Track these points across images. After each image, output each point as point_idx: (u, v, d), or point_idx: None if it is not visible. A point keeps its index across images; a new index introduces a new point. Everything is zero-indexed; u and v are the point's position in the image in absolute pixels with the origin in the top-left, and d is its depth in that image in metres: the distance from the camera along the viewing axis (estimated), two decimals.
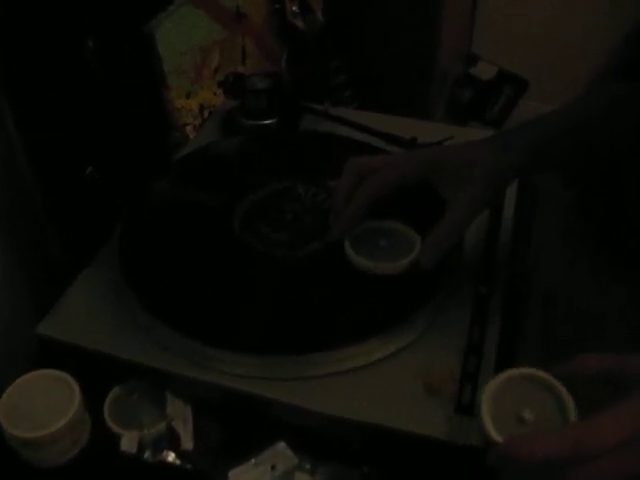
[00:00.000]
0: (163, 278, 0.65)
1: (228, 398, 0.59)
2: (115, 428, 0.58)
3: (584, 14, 2.11)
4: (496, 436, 0.45)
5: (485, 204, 0.63)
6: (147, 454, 0.57)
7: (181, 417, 0.59)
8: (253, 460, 0.56)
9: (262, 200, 0.73)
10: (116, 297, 0.66)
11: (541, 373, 0.48)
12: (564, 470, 0.42)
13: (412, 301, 0.62)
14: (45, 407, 0.56)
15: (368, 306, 0.62)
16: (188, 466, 0.57)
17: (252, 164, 0.79)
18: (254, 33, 1.33)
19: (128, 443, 0.57)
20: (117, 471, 0.58)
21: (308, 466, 0.56)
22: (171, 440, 0.58)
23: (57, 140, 0.77)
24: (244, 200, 0.73)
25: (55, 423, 0.54)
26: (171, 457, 0.57)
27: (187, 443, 0.57)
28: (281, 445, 0.57)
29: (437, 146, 0.65)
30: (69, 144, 0.79)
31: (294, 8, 1.40)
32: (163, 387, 0.60)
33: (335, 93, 1.12)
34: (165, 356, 0.61)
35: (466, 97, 2.28)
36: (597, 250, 0.72)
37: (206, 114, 1.10)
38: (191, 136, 1.03)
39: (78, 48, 0.78)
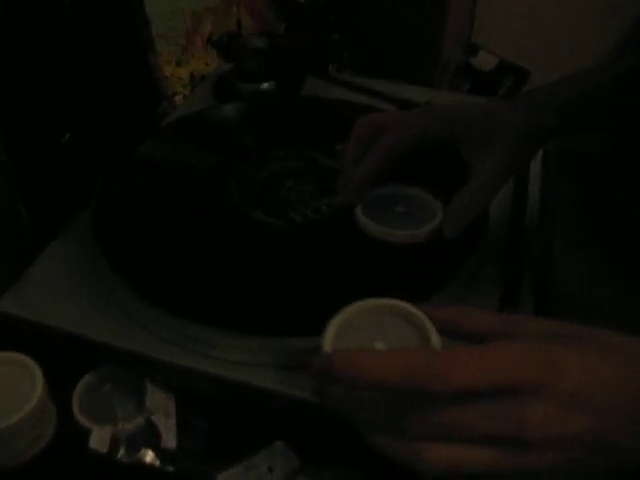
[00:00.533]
0: (144, 248, 0.57)
1: (218, 388, 0.51)
2: (85, 422, 0.50)
3: (586, 4, 2.06)
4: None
5: (515, 167, 0.56)
6: (121, 453, 0.49)
7: (162, 410, 0.50)
8: (247, 462, 0.48)
9: (259, 166, 0.65)
10: (90, 270, 0.58)
11: (404, 304, 0.41)
12: (403, 410, 0.33)
13: (433, 278, 0.54)
14: (2, 396, 0.48)
15: (383, 282, 0.53)
16: (170, 468, 0.49)
17: (250, 130, 0.70)
18: (249, 4, 1.25)
19: (99, 440, 0.49)
20: (86, 472, 0.49)
21: (312, 470, 0.48)
22: (150, 437, 0.49)
23: (31, 104, 0.70)
24: (239, 166, 0.64)
25: (14, 414, 0.47)
26: (150, 457, 0.49)
27: (169, 441, 0.49)
28: (280, 444, 0.49)
29: (461, 103, 0.58)
30: (44, 108, 0.71)
31: None
32: (142, 375, 0.52)
33: (334, 55, 1.04)
34: (145, 338, 0.53)
35: (466, 87, 2.22)
36: (593, 240, 0.65)
37: None
38: None
39: (55, 3, 0.71)
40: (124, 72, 0.87)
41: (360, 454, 0.48)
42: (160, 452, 0.49)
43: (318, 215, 0.60)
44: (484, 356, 0.33)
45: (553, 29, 2.13)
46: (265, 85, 0.78)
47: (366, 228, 0.55)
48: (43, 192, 0.73)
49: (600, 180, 0.67)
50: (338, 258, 0.57)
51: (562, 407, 0.32)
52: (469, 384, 0.32)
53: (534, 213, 0.65)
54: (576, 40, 2.07)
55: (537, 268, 0.59)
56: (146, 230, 0.59)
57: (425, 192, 0.58)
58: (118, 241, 0.57)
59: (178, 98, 1.00)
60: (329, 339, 0.39)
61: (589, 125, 0.59)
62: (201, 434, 0.50)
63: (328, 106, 0.73)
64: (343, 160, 0.57)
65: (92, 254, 0.58)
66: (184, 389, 0.52)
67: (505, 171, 0.54)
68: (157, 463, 0.49)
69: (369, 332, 0.41)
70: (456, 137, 0.56)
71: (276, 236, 0.59)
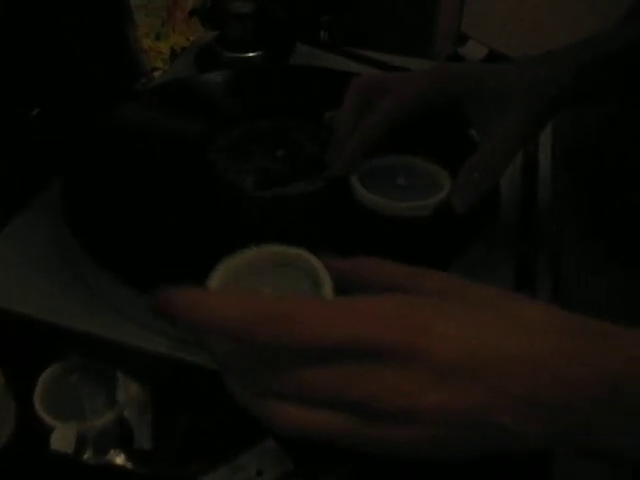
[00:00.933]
0: (117, 223, 0.50)
1: (200, 381, 0.45)
2: (48, 419, 0.44)
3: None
4: None
5: (531, 132, 0.50)
6: (88, 454, 0.42)
7: (136, 405, 0.44)
8: (232, 463, 0.42)
9: (244, 135, 0.59)
10: (56, 249, 0.51)
11: (301, 252, 0.37)
12: (264, 365, 0.29)
13: (440, 256, 0.48)
14: None
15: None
16: (143, 470, 0.43)
17: (236, 98, 0.64)
18: None
19: (62, 439, 0.42)
20: (48, 476, 0.43)
21: (306, 474, 0.42)
22: (121, 436, 0.43)
23: None
24: (224, 136, 0.58)
25: None
26: (120, 459, 0.43)
27: (143, 440, 0.43)
28: (270, 444, 0.43)
29: (468, 62, 0.52)
30: (11, 81, 0.65)
31: None
32: (113, 365, 0.45)
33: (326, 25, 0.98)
34: (118, 323, 0.46)
35: None
36: (592, 231, 0.61)
37: None
38: None
39: None
40: (98, 43, 0.81)
41: (360, 456, 0.42)
42: (133, 453, 0.43)
43: (311, 187, 0.54)
44: (345, 310, 0.28)
45: (543, 20, 2.09)
46: (252, 54, 0.72)
47: (363, 199, 0.49)
48: (10, 168, 0.67)
49: (598, 171, 0.63)
50: (333, 233, 0.51)
51: (432, 379, 0.28)
52: (317, 339, 0.28)
53: (546, 189, 0.59)
54: (566, 33, 2.02)
55: (551, 245, 0.54)
56: (120, 204, 0.52)
57: (429, 162, 0.52)
58: (88, 217, 0.50)
59: (158, 74, 0.94)
60: (212, 283, 0.35)
61: (603, 90, 0.54)
62: (180, 432, 0.44)
63: (321, 74, 0.67)
64: (336, 126, 0.52)
65: (59, 231, 0.52)
66: (161, 381, 0.46)
67: (520, 136, 0.49)
68: (129, 465, 0.42)
69: (257, 280, 0.37)
70: (465, 99, 0.50)
71: (264, 210, 0.53)
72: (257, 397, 0.30)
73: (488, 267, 0.50)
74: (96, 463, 0.42)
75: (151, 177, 0.55)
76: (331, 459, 0.43)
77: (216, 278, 0.35)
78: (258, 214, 0.52)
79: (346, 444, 0.30)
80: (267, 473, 0.42)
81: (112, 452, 0.42)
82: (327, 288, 0.35)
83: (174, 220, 0.51)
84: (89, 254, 0.47)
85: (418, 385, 0.28)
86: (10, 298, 0.48)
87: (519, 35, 2.13)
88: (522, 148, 0.50)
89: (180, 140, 0.58)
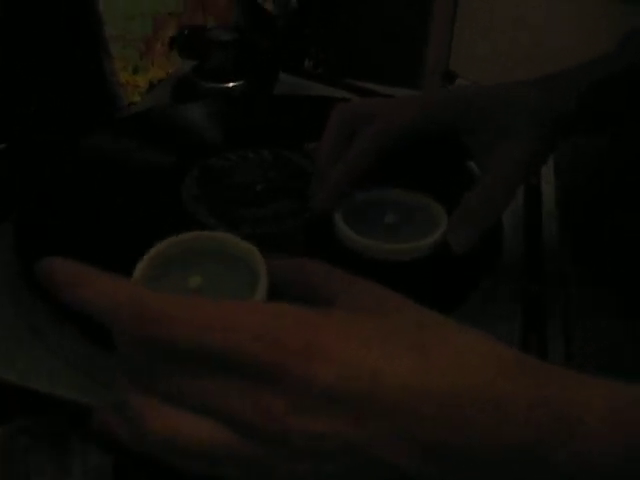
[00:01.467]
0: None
1: None
2: None
3: (568, 34, 2.01)
4: None
5: (534, 163, 0.46)
6: None
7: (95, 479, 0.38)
8: None
9: (221, 168, 0.54)
10: (7, 297, 0.46)
11: (235, 240, 0.35)
12: (149, 358, 0.27)
13: (436, 303, 0.42)
14: None
15: None
16: None
17: (213, 128, 0.59)
18: (217, 14, 1.15)
19: None
20: None
21: None
22: None
23: None
24: (194, 169, 0.53)
25: None
26: None
27: None
28: None
29: (465, 86, 0.48)
30: None
31: None
32: (71, 429, 0.39)
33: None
34: (78, 381, 0.40)
35: None
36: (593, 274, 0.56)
37: None
38: None
39: None
40: (70, 75, 0.76)
41: None
42: None
43: (291, 225, 0.49)
44: (229, 312, 0.26)
45: (530, 58, 2.08)
46: (232, 84, 0.68)
47: (347, 240, 0.44)
48: None
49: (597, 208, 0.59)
50: None
51: (304, 402, 0.25)
52: (193, 340, 0.25)
53: (551, 224, 0.54)
54: (554, 67, 2.01)
55: (561, 284, 0.49)
56: (81, 246, 0.47)
57: (423, 196, 0.47)
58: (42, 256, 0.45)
59: (135, 108, 0.90)
60: (139, 267, 0.34)
61: (604, 116, 0.50)
62: None
63: (303, 102, 0.62)
64: (317, 157, 0.47)
65: (11, 277, 0.46)
66: (126, 450, 0.40)
67: (523, 167, 0.44)
68: None
69: (190, 268, 0.35)
70: (461, 127, 0.45)
71: None
72: (134, 390, 0.28)
73: (490, 314, 0.45)
74: None
75: (117, 216, 0.50)
76: None
77: (146, 260, 0.34)
78: None
79: (221, 461, 0.27)
80: None
81: None
82: (261, 289, 0.32)
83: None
84: (40, 300, 0.42)
85: (289, 408, 0.25)
86: None
87: (508, 74, 2.12)
88: (525, 181, 0.45)
89: (148, 175, 0.53)
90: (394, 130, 0.45)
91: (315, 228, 0.47)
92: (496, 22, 1.96)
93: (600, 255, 0.56)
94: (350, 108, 0.47)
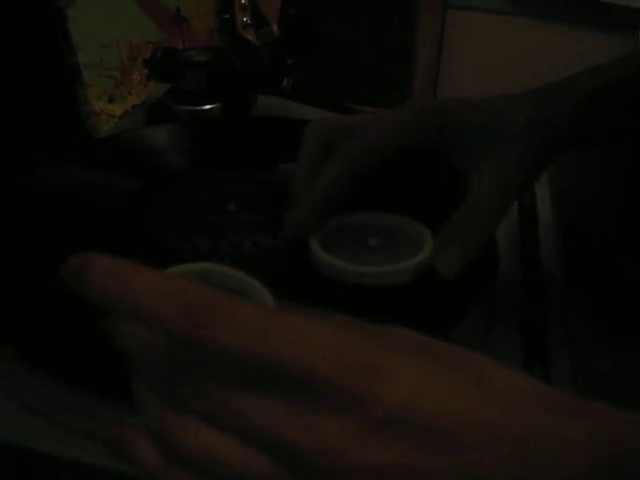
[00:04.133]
0: (41, 310, 0.40)
1: None
2: None
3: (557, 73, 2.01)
4: None
5: (524, 182, 0.43)
6: None
7: None
8: None
9: (188, 191, 0.50)
10: None
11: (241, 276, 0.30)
12: (180, 366, 0.24)
13: (427, 327, 0.38)
14: None
15: None
16: None
17: (182, 151, 0.56)
18: (197, 43, 1.13)
19: None
20: None
21: None
22: None
23: None
24: (163, 190, 0.50)
25: None
26: None
27: None
28: None
29: (449, 97, 0.44)
30: None
31: (245, 19, 1.20)
32: None
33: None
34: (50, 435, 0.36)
35: None
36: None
37: None
38: None
39: None
40: (41, 103, 0.73)
41: None
42: None
43: (264, 250, 0.45)
44: (300, 327, 0.22)
45: (519, 86, 2.08)
46: (208, 106, 0.64)
47: (323, 266, 0.40)
48: None
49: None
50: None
51: (375, 430, 0.22)
52: (257, 347, 0.21)
53: (549, 246, 0.51)
54: None
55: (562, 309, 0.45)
56: (41, 265, 0.43)
57: (407, 218, 0.43)
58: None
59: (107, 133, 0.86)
60: None
61: (601, 129, 0.47)
62: None
63: (279, 123, 0.59)
64: (291, 181, 0.43)
65: None
66: None
67: (513, 187, 0.41)
68: None
69: None
70: (446, 144, 0.42)
71: None
72: (164, 406, 0.24)
73: (489, 337, 0.41)
74: None
75: (81, 242, 0.46)
76: None
77: None
78: None
79: None
80: None
81: None
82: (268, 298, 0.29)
83: None
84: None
85: (356, 438, 0.22)
86: None
87: None
88: (516, 200, 0.42)
89: (113, 200, 0.49)
90: (376, 147, 0.41)
91: (292, 253, 0.43)
92: (483, 53, 1.96)
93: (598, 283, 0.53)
94: (325, 126, 0.44)
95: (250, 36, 1.23)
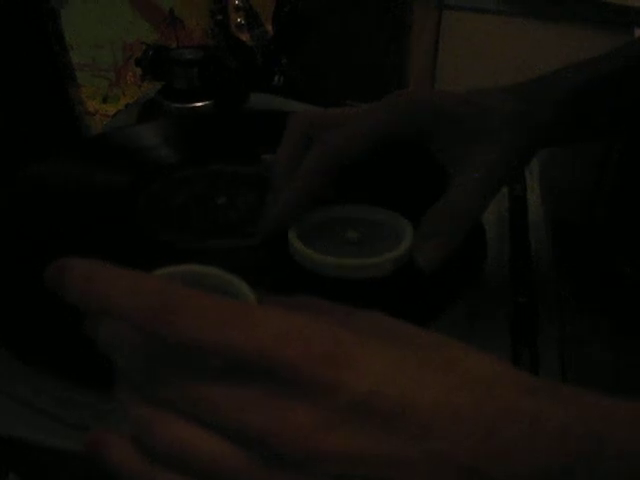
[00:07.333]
0: (36, 306, 0.40)
1: None
2: None
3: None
4: None
5: (507, 175, 0.42)
6: None
7: None
8: None
9: (175, 186, 0.50)
10: None
11: (218, 273, 0.30)
12: (152, 361, 0.24)
13: (410, 319, 0.38)
14: None
15: None
16: None
17: (171, 147, 0.56)
18: (191, 43, 1.14)
19: None
20: None
21: None
22: None
23: None
24: (151, 187, 0.50)
25: None
26: None
27: None
28: None
29: (433, 89, 0.44)
30: None
31: (239, 20, 1.20)
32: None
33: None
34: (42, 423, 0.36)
35: None
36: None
37: None
38: None
39: None
40: (33, 103, 0.74)
41: None
42: None
43: (245, 243, 0.45)
44: (268, 320, 0.22)
45: None
46: (200, 103, 0.65)
47: (300, 258, 0.41)
48: None
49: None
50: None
51: (344, 418, 0.22)
52: (202, 338, 0.22)
53: (540, 232, 0.51)
54: None
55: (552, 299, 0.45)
56: (32, 262, 0.43)
57: (389, 212, 0.43)
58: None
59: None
60: None
61: (588, 123, 0.46)
62: None
63: (268, 117, 0.59)
64: (273, 169, 0.43)
65: None
66: None
67: (495, 179, 0.41)
68: None
69: None
70: (429, 136, 0.42)
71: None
72: (141, 400, 0.25)
73: (477, 328, 0.41)
74: None
75: (72, 239, 0.46)
76: None
77: None
78: None
79: None
80: None
81: None
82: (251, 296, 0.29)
83: None
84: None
85: (324, 427, 0.22)
86: None
87: None
88: (498, 191, 0.42)
89: (103, 197, 0.49)
90: (359, 137, 0.41)
91: (272, 246, 0.43)
92: (478, 53, 1.96)
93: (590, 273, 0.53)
94: (310, 116, 0.43)
95: (244, 37, 1.24)
